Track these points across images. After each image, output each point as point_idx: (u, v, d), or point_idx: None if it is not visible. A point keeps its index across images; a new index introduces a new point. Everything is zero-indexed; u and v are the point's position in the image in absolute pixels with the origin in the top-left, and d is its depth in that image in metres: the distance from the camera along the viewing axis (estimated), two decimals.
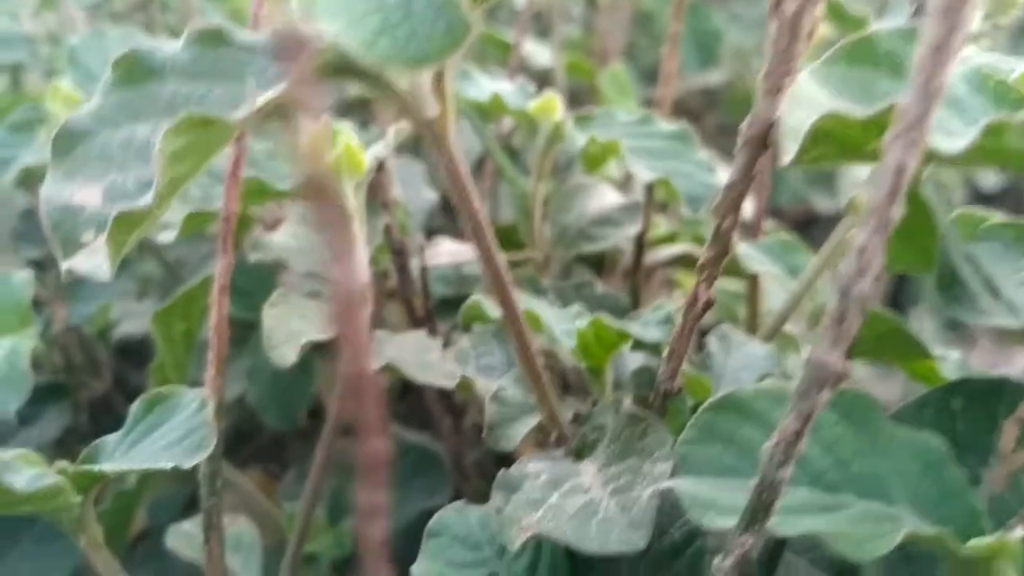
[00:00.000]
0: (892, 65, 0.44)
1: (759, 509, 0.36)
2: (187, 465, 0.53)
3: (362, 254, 0.70)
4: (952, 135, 0.38)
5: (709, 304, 0.53)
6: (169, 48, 0.49)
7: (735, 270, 0.92)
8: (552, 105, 0.77)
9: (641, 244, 0.83)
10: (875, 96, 0.43)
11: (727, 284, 1.00)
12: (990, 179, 2.06)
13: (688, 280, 1.00)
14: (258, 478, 0.99)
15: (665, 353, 0.59)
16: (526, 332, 0.55)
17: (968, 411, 0.52)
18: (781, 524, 0.42)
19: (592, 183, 0.85)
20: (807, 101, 0.42)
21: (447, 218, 1.11)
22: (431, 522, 0.57)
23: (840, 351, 0.34)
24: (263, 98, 0.44)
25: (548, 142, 0.78)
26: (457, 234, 1.06)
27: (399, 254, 0.78)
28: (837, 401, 0.46)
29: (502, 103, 0.78)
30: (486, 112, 0.82)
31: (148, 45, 0.49)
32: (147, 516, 0.95)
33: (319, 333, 0.63)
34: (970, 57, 0.45)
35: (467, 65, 0.93)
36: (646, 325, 0.66)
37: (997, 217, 0.55)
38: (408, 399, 0.99)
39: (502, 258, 0.54)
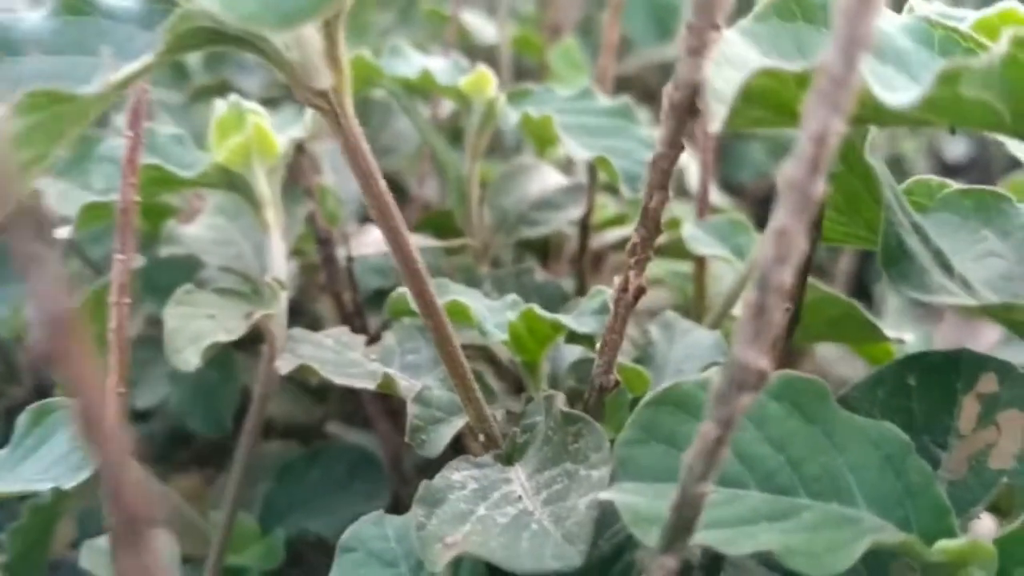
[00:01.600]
0: (828, 20, 0.39)
1: (680, 527, 0.32)
2: (68, 485, 0.47)
3: (277, 246, 0.64)
4: (898, 91, 0.33)
5: (640, 292, 0.49)
6: (31, 19, 0.44)
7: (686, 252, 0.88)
8: (484, 80, 0.72)
9: (586, 228, 0.78)
10: (811, 54, 0.39)
11: (682, 267, 0.96)
12: (957, 148, 2.01)
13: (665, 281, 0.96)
14: (191, 484, 0.94)
15: (598, 345, 0.54)
16: (446, 326, 0.51)
17: (924, 388, 0.47)
18: (730, 541, 0.37)
19: (534, 164, 0.80)
20: (736, 60, 0.37)
21: None
22: (344, 535, 0.52)
23: (761, 348, 0.29)
24: (123, 72, 0.39)
25: (482, 120, 0.73)
26: None
27: (324, 244, 0.72)
28: (785, 391, 0.41)
29: (432, 79, 0.72)
30: (415, 90, 0.76)
31: (5, 17, 0.44)
32: (78, 526, 0.90)
33: (227, 333, 0.58)
34: (914, 7, 0.40)
35: (399, 40, 0.88)
36: (581, 315, 0.61)
37: (953, 185, 0.51)
38: (352, 399, 0.94)
39: (414, 245, 0.49)
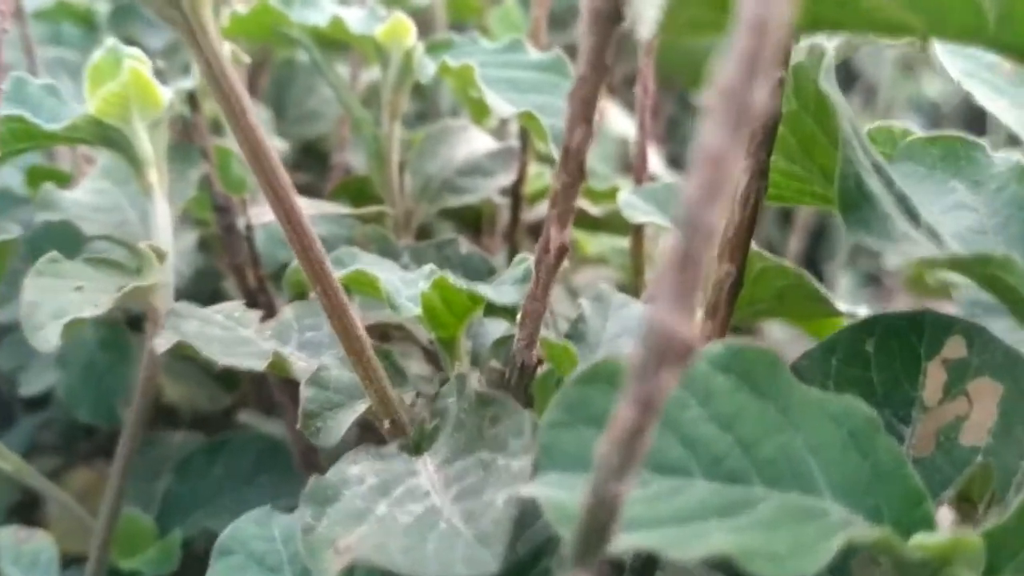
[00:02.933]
0: None
1: (593, 533, 0.25)
2: None
3: (161, 210, 0.57)
4: None
5: (563, 251, 0.42)
6: None
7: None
8: (402, 29, 0.64)
9: (518, 197, 0.72)
10: None
11: (625, 243, 0.90)
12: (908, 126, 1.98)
13: (584, 241, 0.89)
14: (88, 478, 0.86)
15: (519, 317, 0.47)
16: (338, 294, 0.44)
17: (884, 354, 0.41)
18: (676, 543, 0.31)
19: (461, 126, 0.73)
20: None
21: (309, 174, 0.98)
22: (223, 535, 0.45)
23: (686, 310, 0.23)
24: None
25: (399, 73, 0.66)
26: (317, 191, 0.94)
27: (222, 212, 0.65)
28: (732, 362, 0.35)
29: (344, 28, 0.65)
30: (328, 41, 0.69)
31: None
32: None
33: (94, 308, 0.50)
34: None
35: None
36: (501, 285, 0.54)
37: (918, 131, 0.45)
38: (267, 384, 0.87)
39: (306, 209, 0.42)
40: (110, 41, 0.56)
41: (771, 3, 0.22)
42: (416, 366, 0.75)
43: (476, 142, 0.72)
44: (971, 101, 0.50)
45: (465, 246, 0.66)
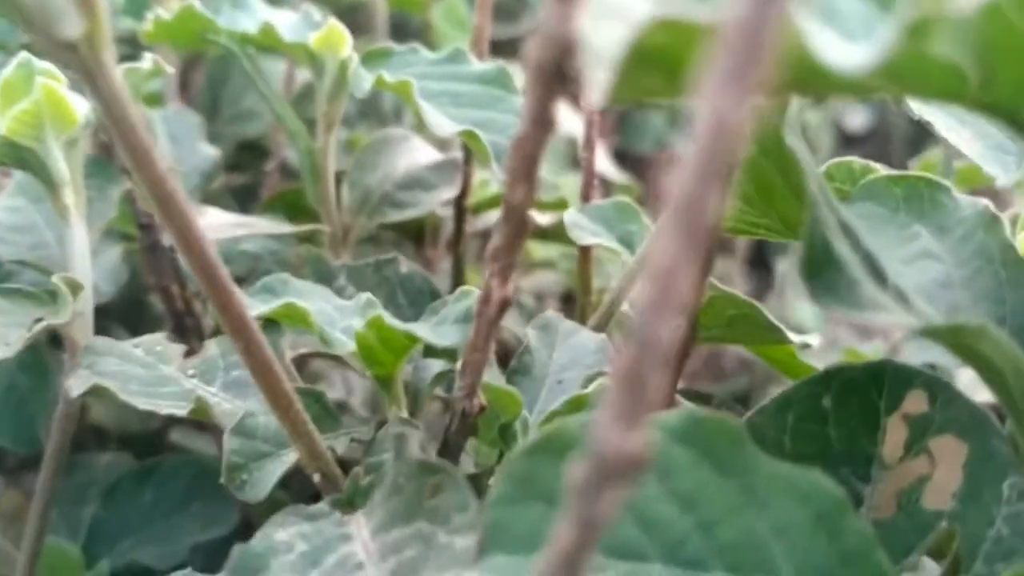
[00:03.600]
0: None
1: None
2: None
3: (79, 235, 0.53)
4: (838, 50, 0.24)
5: (505, 304, 0.39)
6: None
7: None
8: (337, 38, 0.61)
9: (461, 210, 0.69)
10: None
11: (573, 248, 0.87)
12: (856, 118, 1.97)
13: (531, 247, 0.87)
14: (13, 502, 0.82)
15: (459, 365, 0.45)
16: (259, 346, 0.40)
17: (842, 409, 0.39)
18: None
19: (401, 136, 0.70)
20: (618, 9, 0.27)
21: (247, 174, 0.94)
22: None
23: (636, 425, 0.20)
24: None
25: (335, 84, 0.62)
26: (253, 193, 0.90)
27: (146, 230, 0.61)
28: (692, 434, 0.33)
29: (275, 35, 0.61)
30: (258, 48, 0.65)
31: None
32: None
33: (4, 347, 0.46)
34: None
35: None
36: (441, 324, 0.51)
37: (880, 169, 0.43)
38: None
39: (214, 237, 0.39)
40: (22, 55, 0.52)
41: (732, 106, 0.20)
42: (356, 395, 0.72)
43: (418, 153, 0.69)
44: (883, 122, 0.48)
45: (405, 265, 0.63)
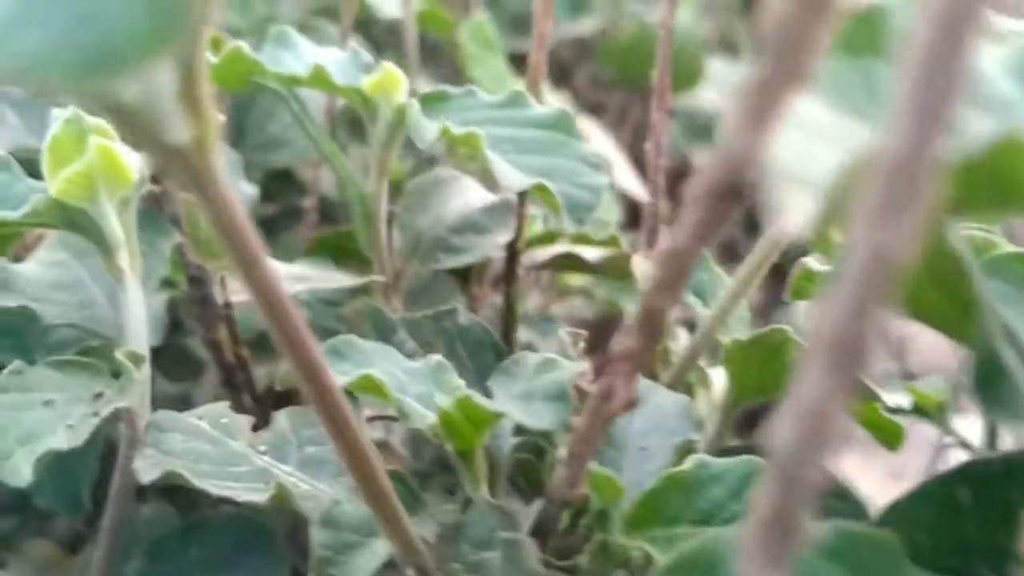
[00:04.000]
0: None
1: None
2: None
3: (135, 298, 0.51)
4: None
5: (631, 404, 0.37)
6: None
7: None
8: (392, 81, 0.58)
9: (514, 253, 0.66)
10: (881, 100, 0.28)
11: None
12: None
13: (570, 281, 0.85)
14: (45, 551, 0.79)
15: (564, 453, 0.43)
16: (349, 427, 0.38)
17: (979, 505, 0.37)
18: None
19: (452, 177, 0.67)
20: (808, 121, 0.25)
21: (276, 204, 0.91)
22: None
23: (781, 566, 0.19)
24: None
25: (390, 130, 0.60)
26: (285, 224, 0.87)
27: (196, 284, 0.59)
28: (843, 551, 0.30)
29: (326, 78, 0.59)
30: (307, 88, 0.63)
31: None
32: None
33: (70, 437, 0.44)
34: (1014, 33, 0.29)
35: (283, 25, 0.74)
36: (529, 402, 0.48)
37: (1003, 244, 0.41)
38: None
39: (295, 319, 0.36)
40: (70, 110, 0.50)
41: (890, 238, 0.18)
42: (395, 433, 0.70)
43: (470, 195, 0.66)
44: None
45: (465, 316, 0.60)
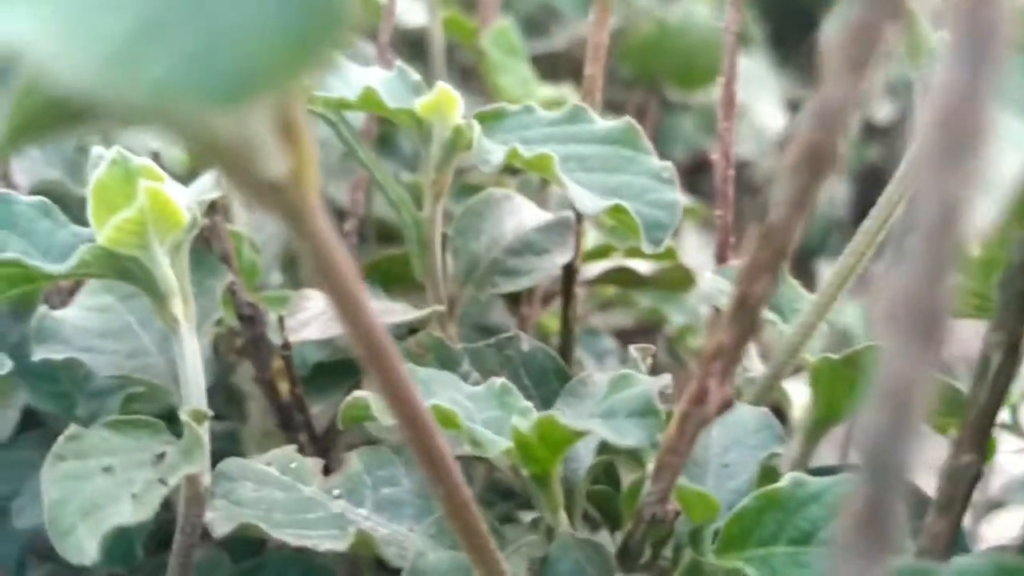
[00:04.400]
0: None
1: None
2: None
3: (191, 350, 0.48)
4: None
5: (727, 406, 0.35)
6: None
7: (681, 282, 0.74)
8: (448, 102, 0.55)
9: (571, 273, 0.63)
10: None
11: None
12: (882, 110, 1.95)
13: (627, 298, 0.82)
14: None
15: (651, 467, 0.40)
16: (444, 458, 0.35)
17: None
18: None
19: (504, 196, 0.64)
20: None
21: None
22: None
23: (878, 564, 0.17)
24: None
25: (445, 152, 0.57)
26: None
27: (249, 322, 0.56)
28: None
29: (377, 100, 0.56)
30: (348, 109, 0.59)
31: None
32: None
33: (136, 509, 0.41)
34: None
35: None
36: (612, 418, 0.46)
37: None
38: None
39: (395, 355, 0.34)
40: (114, 150, 0.47)
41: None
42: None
43: (524, 213, 0.63)
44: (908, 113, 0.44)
45: (527, 342, 0.58)
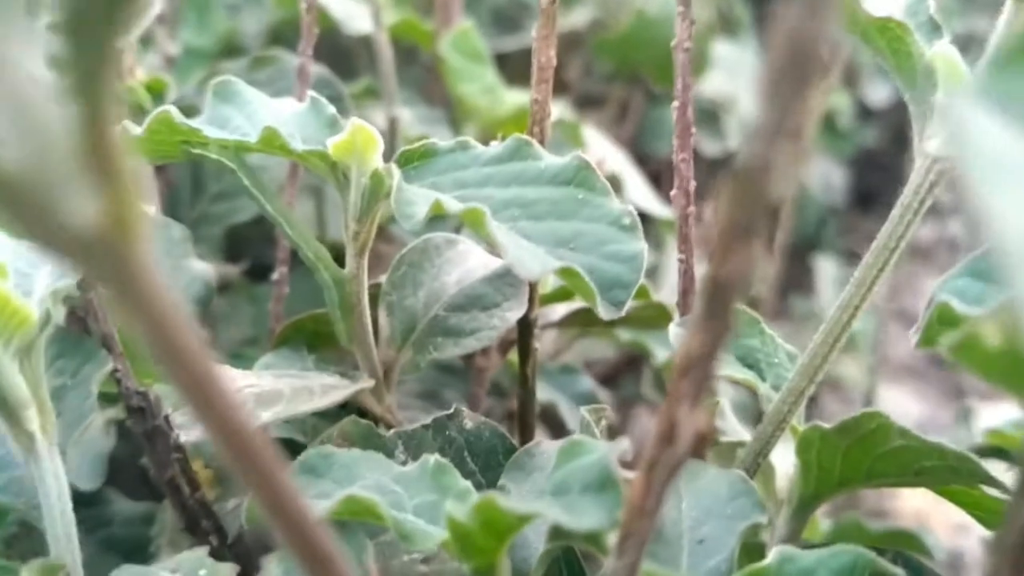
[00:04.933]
0: None
1: None
2: None
3: (50, 470, 0.39)
4: None
5: (704, 438, 0.27)
6: None
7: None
8: (366, 142, 0.46)
9: (528, 326, 0.55)
10: None
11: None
12: (878, 93, 1.88)
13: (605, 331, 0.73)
14: None
15: (615, 539, 0.32)
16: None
17: None
18: None
19: (446, 241, 0.55)
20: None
21: (245, 260, 0.80)
22: None
23: None
24: None
25: (365, 202, 0.48)
26: (254, 294, 0.76)
27: (140, 416, 0.47)
28: None
29: (281, 143, 0.47)
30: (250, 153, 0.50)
31: None
32: None
33: None
34: None
35: (228, 65, 0.62)
36: (563, 495, 0.37)
37: None
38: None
39: (263, 451, 0.26)
40: None
41: None
42: None
43: (470, 261, 0.54)
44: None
45: (471, 419, 0.49)
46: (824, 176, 1.81)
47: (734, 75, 1.46)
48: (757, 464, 0.49)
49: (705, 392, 0.28)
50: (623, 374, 0.92)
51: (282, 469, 0.28)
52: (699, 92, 1.37)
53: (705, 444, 0.31)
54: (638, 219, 0.46)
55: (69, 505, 0.39)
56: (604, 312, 0.43)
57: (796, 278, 1.61)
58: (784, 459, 0.54)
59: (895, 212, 0.49)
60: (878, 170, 1.93)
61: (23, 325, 0.37)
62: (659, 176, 1.19)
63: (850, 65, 1.77)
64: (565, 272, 0.42)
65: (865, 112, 1.88)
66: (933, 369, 1.57)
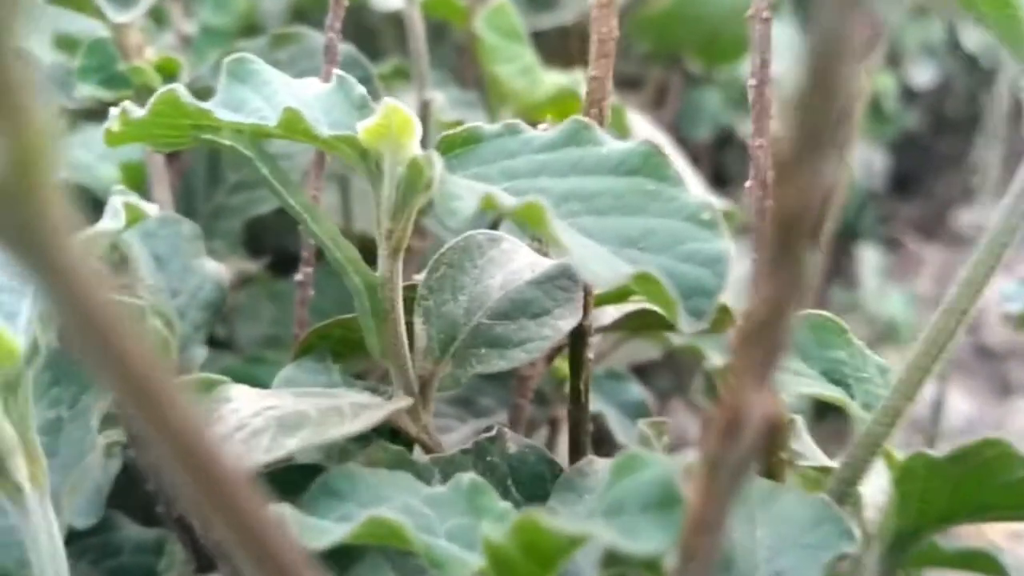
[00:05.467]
0: None
1: None
2: None
3: (41, 525, 0.33)
4: None
5: (774, 424, 0.23)
6: None
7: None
8: (401, 126, 0.40)
9: (583, 336, 0.48)
10: None
11: None
12: (923, 75, 1.82)
13: (642, 345, 0.67)
14: None
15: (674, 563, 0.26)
16: None
17: None
18: None
19: (489, 239, 0.49)
20: None
21: (267, 253, 0.74)
22: None
23: None
24: None
25: (402, 194, 0.41)
26: (277, 290, 0.70)
27: (142, 445, 0.41)
28: None
29: (304, 127, 0.41)
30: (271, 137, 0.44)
31: None
32: None
33: None
34: None
35: (247, 44, 0.56)
36: (618, 516, 0.32)
37: None
38: None
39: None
40: None
41: None
42: None
43: (516, 261, 0.48)
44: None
45: (514, 441, 0.43)
46: (865, 160, 1.75)
47: (775, 56, 1.39)
48: (845, 493, 0.43)
49: (775, 366, 0.23)
50: (657, 367, 0.86)
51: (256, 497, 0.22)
52: (739, 74, 1.31)
53: (777, 430, 0.25)
54: (719, 213, 0.39)
55: (64, 564, 0.34)
56: (686, 324, 0.36)
57: (835, 267, 1.55)
58: (871, 488, 0.48)
59: (1007, 201, 0.42)
60: (918, 153, 1.87)
61: (7, 359, 0.31)
62: (695, 164, 1.13)
63: (893, 46, 1.71)
64: (640, 278, 0.36)
65: (908, 94, 1.81)
66: (979, 362, 1.50)
